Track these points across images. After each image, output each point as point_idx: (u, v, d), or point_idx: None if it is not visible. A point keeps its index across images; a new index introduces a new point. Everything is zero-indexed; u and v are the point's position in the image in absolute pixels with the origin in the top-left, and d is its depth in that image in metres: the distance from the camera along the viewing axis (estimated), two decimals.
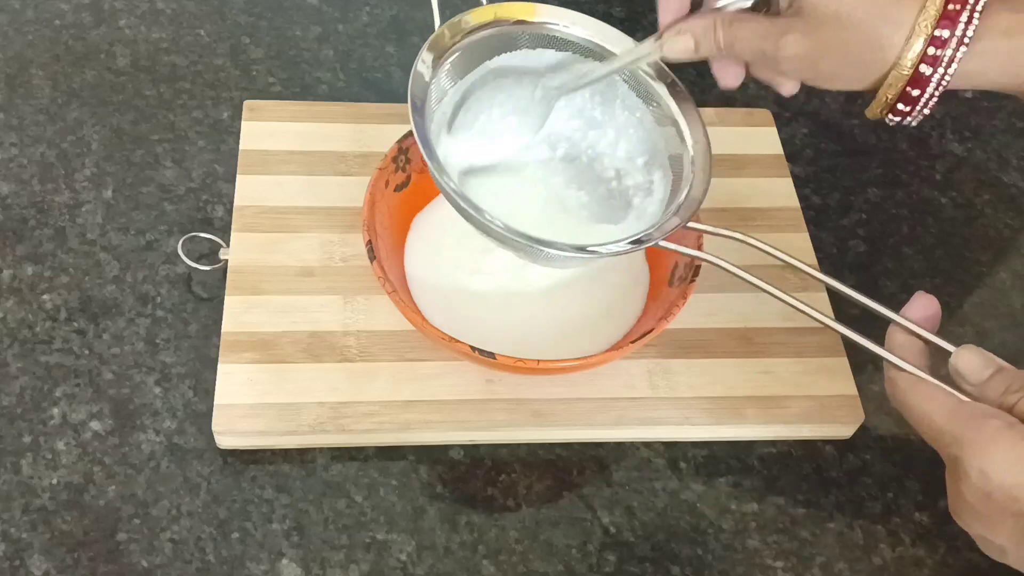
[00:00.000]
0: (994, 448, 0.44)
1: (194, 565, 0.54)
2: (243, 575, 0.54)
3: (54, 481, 0.56)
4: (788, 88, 0.55)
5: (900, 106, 0.51)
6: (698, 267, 0.58)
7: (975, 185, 0.76)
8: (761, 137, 0.74)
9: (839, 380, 0.62)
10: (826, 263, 0.68)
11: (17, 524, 0.54)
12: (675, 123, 0.57)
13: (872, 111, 0.53)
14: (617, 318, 0.62)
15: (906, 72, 0.49)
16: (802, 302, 0.53)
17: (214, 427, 0.56)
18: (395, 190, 0.62)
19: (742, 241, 0.54)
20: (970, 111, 0.80)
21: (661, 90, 0.57)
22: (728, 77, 0.55)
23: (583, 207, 0.60)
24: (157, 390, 0.59)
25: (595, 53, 0.58)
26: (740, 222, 0.68)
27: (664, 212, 0.56)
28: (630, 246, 0.53)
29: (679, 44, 0.53)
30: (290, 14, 0.79)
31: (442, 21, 0.56)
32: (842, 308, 0.66)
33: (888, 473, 0.61)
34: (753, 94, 0.79)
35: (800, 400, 0.61)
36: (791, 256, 0.54)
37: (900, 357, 0.49)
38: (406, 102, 0.73)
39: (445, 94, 0.57)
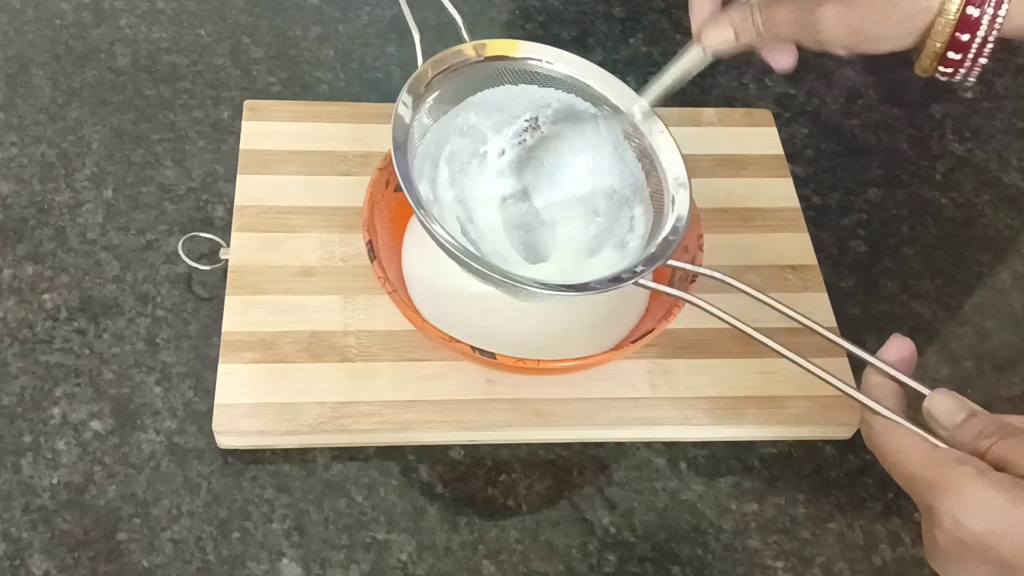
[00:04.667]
0: (966, 495, 0.43)
1: (194, 565, 0.54)
2: (243, 575, 0.54)
3: (54, 481, 0.56)
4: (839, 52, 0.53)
5: (951, 55, 0.49)
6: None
7: (975, 185, 0.76)
8: (761, 137, 0.74)
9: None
10: (826, 263, 0.68)
11: (17, 524, 0.54)
12: (655, 159, 0.58)
13: (922, 65, 0.50)
14: (619, 319, 0.62)
15: (952, 17, 0.47)
16: (791, 351, 0.53)
17: (214, 427, 0.56)
18: (395, 190, 0.62)
19: (721, 281, 0.54)
20: (970, 111, 0.80)
21: (643, 126, 0.58)
22: (779, 59, 0.54)
23: (565, 242, 0.60)
24: (157, 390, 0.59)
25: (578, 89, 0.59)
26: (740, 222, 0.69)
27: (645, 248, 0.56)
28: (608, 284, 0.53)
29: (719, 35, 0.53)
30: (290, 14, 0.79)
31: (424, 58, 0.56)
32: (842, 307, 0.66)
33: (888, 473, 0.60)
34: (753, 94, 0.79)
35: (800, 400, 0.61)
36: (766, 294, 0.54)
37: (876, 399, 0.49)
38: None
39: (428, 130, 0.57)
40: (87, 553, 0.54)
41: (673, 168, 0.57)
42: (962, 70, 0.50)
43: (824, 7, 0.49)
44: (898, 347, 0.50)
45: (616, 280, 0.53)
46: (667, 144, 0.58)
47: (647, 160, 0.58)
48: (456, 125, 0.59)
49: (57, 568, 0.53)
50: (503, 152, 0.61)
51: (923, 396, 0.48)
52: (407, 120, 0.55)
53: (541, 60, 0.59)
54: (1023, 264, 0.72)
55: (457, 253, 0.53)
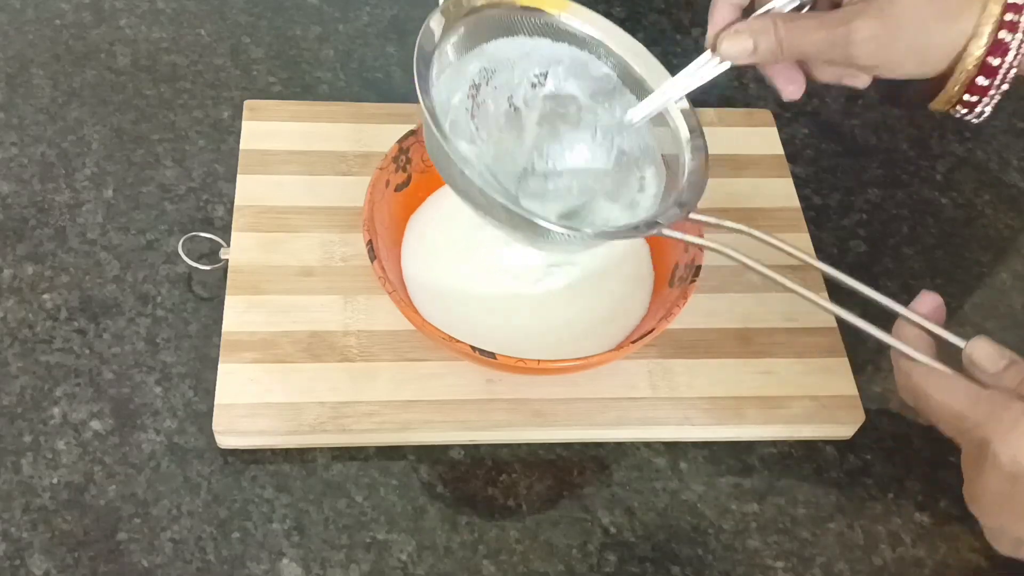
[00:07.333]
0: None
1: (194, 565, 0.54)
2: (243, 575, 0.54)
3: (54, 480, 0.56)
4: (863, 81, 0.53)
5: (980, 80, 0.49)
6: (699, 267, 0.58)
7: (975, 185, 0.76)
8: (761, 137, 0.74)
9: (839, 380, 0.62)
10: (827, 263, 0.68)
11: (17, 523, 0.54)
12: (671, 123, 0.57)
13: (947, 93, 0.51)
14: (620, 319, 0.62)
15: (985, 40, 0.48)
16: (803, 287, 0.53)
17: (215, 427, 0.56)
18: (395, 190, 0.62)
19: (746, 233, 0.54)
20: None
21: (655, 87, 0.57)
22: (791, 86, 0.53)
23: (571, 201, 0.59)
24: (157, 390, 0.59)
25: (593, 47, 0.58)
26: (741, 222, 0.68)
27: (660, 205, 0.56)
28: (631, 231, 0.53)
29: (737, 45, 0.51)
30: (290, 14, 0.79)
31: None
32: (845, 307, 0.66)
33: (889, 473, 0.61)
34: (753, 94, 0.79)
35: (800, 400, 0.61)
36: (795, 248, 0.54)
37: (912, 348, 0.49)
38: (406, 102, 0.74)
39: (443, 71, 0.56)
40: (87, 553, 0.54)
41: (685, 125, 0.56)
42: (985, 99, 0.50)
43: (859, 19, 0.49)
44: (929, 300, 0.51)
45: (636, 229, 0.53)
46: (680, 103, 0.57)
47: (661, 123, 0.58)
48: (467, 73, 0.57)
49: (57, 568, 0.53)
50: (509, 106, 0.59)
51: (955, 352, 0.48)
52: (435, 38, 0.54)
53: (560, 15, 0.57)
54: (1023, 264, 0.72)
55: (482, 188, 0.51)
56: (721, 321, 0.63)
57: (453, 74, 0.56)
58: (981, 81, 0.49)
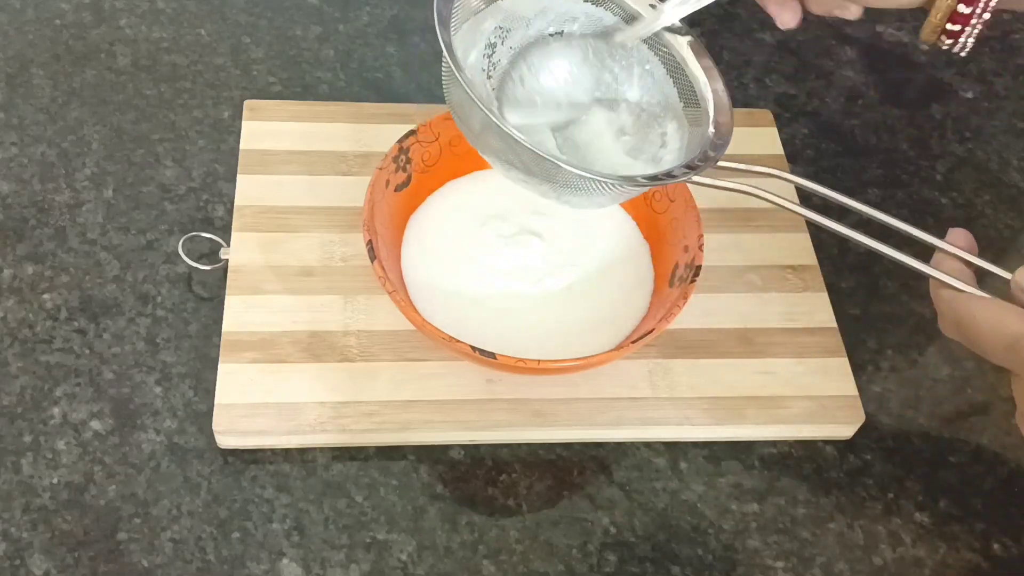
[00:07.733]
0: None
1: (194, 565, 0.54)
2: (243, 575, 0.54)
3: (54, 480, 0.56)
4: (853, 12, 0.53)
5: (961, 8, 0.51)
6: (699, 267, 0.58)
7: (976, 186, 0.76)
8: (761, 137, 0.74)
9: (839, 380, 0.62)
10: (827, 263, 0.68)
11: (17, 523, 0.54)
12: (692, 80, 0.56)
13: (931, 23, 0.52)
14: (620, 319, 0.62)
15: None
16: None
17: (215, 427, 0.56)
18: (395, 190, 0.62)
19: (777, 176, 0.55)
20: (970, 111, 0.80)
21: (672, 41, 0.57)
22: (786, 14, 0.53)
23: (591, 161, 0.58)
24: (157, 390, 0.59)
25: (607, 2, 0.57)
26: (741, 222, 0.69)
27: (686, 157, 0.55)
28: (665, 178, 0.52)
29: None
30: (290, 14, 0.79)
31: None
32: (842, 307, 0.66)
33: (888, 473, 0.61)
34: (753, 94, 0.79)
35: (800, 400, 0.61)
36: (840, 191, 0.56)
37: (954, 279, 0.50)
38: (406, 102, 0.74)
39: (465, 20, 0.55)
40: (87, 553, 0.54)
41: (705, 77, 0.56)
42: (968, 28, 0.51)
43: None
44: (962, 234, 0.52)
45: (669, 175, 0.52)
46: (704, 63, 0.57)
47: (679, 74, 0.57)
48: (483, 31, 0.56)
49: (57, 568, 0.53)
50: (527, 66, 0.58)
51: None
52: None
53: None
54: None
55: (509, 132, 0.50)
56: (721, 321, 0.63)
57: (470, 30, 0.56)
58: (962, 8, 0.50)
